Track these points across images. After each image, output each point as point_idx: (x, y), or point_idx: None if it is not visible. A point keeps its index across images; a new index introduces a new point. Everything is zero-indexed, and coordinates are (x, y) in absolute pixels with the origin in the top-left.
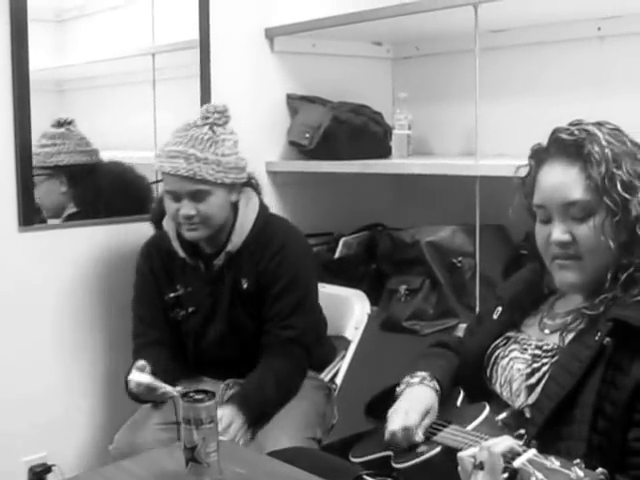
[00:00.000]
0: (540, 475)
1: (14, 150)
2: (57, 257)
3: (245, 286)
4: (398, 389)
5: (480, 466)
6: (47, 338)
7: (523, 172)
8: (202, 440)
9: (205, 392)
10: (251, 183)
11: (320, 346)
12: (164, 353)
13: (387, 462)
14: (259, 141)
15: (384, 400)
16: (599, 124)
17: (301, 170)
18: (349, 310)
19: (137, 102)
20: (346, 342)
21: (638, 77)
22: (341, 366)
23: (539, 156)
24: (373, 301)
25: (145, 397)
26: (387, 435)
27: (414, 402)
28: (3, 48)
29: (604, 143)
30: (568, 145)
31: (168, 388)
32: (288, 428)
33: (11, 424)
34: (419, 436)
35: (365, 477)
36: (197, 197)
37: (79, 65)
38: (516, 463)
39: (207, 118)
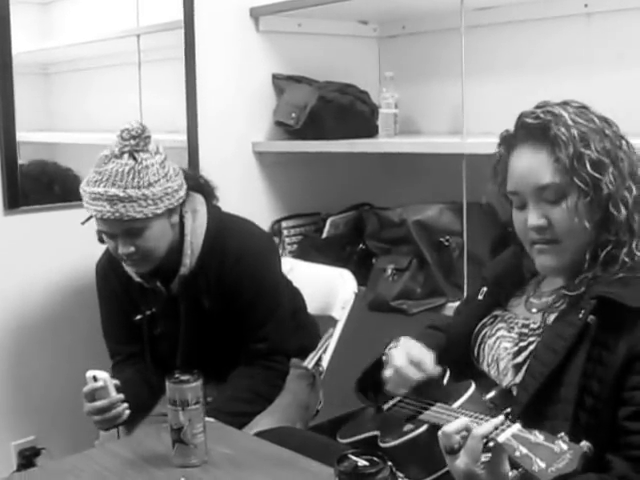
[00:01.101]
0: (524, 449)
1: None
2: (43, 239)
3: (207, 305)
4: (384, 357)
5: (451, 451)
6: (35, 321)
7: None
8: (188, 421)
9: (191, 373)
10: (200, 186)
11: (300, 333)
12: (141, 367)
13: (374, 442)
14: (245, 121)
15: (374, 374)
16: (565, 104)
17: (288, 150)
18: (336, 289)
19: (123, 84)
20: (333, 321)
21: (625, 54)
22: (328, 345)
23: (508, 142)
24: (361, 281)
25: (91, 411)
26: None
27: (408, 344)
28: None
29: (570, 123)
30: (534, 129)
31: (117, 397)
32: (266, 425)
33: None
34: (430, 369)
35: (350, 456)
36: (131, 234)
37: (64, 47)
38: (500, 438)
39: (125, 146)
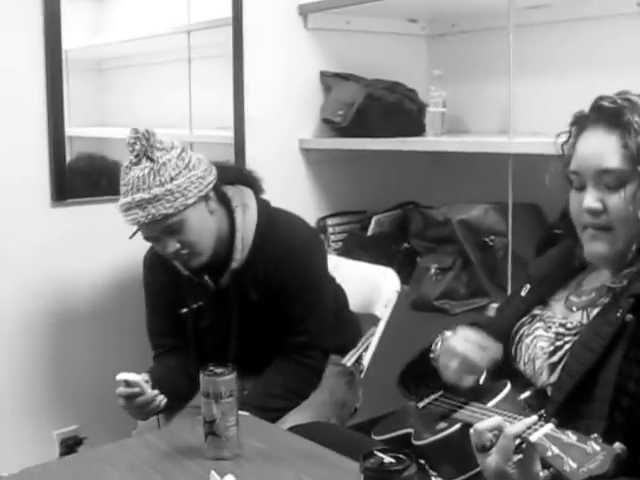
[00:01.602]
0: (556, 449)
1: (47, 128)
2: (90, 231)
3: (255, 298)
4: (434, 346)
5: (483, 449)
6: (80, 313)
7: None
8: (221, 414)
9: (225, 366)
10: (245, 178)
11: (341, 331)
12: (183, 359)
13: (408, 440)
14: (292, 119)
15: (418, 367)
16: None
17: (334, 147)
18: (379, 288)
19: (172, 80)
20: (375, 320)
21: None
22: (369, 344)
23: (580, 123)
24: (404, 280)
25: (127, 408)
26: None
27: (468, 333)
28: (37, 28)
29: None
30: (608, 113)
31: (150, 393)
32: (300, 420)
33: (43, 398)
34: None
35: (376, 453)
36: (171, 231)
37: (116, 44)
38: (532, 437)
39: (137, 152)
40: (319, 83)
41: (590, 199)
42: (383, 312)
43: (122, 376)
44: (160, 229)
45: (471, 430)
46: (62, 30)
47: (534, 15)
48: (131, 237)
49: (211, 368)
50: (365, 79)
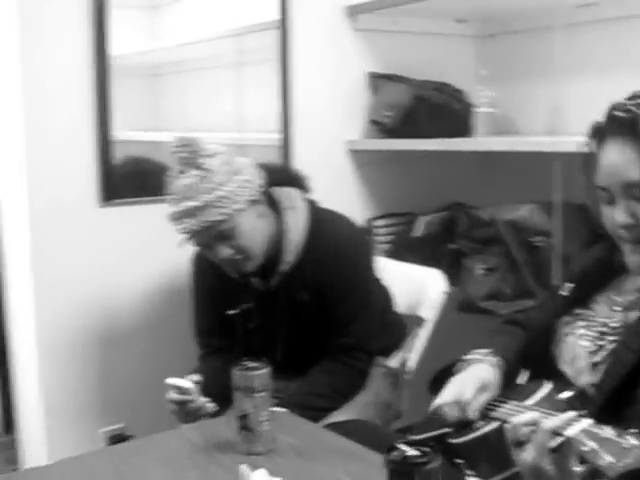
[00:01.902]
0: (592, 444)
1: (94, 132)
2: (136, 232)
3: (303, 299)
4: (456, 367)
5: (518, 444)
6: (127, 312)
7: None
8: (254, 409)
9: (259, 361)
10: (291, 179)
11: (387, 332)
12: (229, 360)
13: (445, 440)
14: (339, 120)
15: (449, 374)
16: None
17: (382, 149)
18: (426, 289)
19: (222, 84)
20: (421, 321)
21: None
22: (415, 345)
23: (599, 134)
24: (451, 281)
25: (177, 413)
26: (432, 407)
27: (470, 376)
28: (85, 35)
29: None
30: (623, 122)
31: (202, 400)
32: (340, 419)
33: (90, 397)
34: (471, 411)
35: (400, 446)
36: (223, 237)
37: (167, 49)
38: (568, 432)
39: (183, 161)
40: (366, 84)
41: (621, 214)
42: (429, 314)
43: (173, 381)
44: (212, 236)
45: (507, 425)
46: (110, 36)
47: (583, 14)
48: (181, 245)
49: (244, 363)
50: (413, 80)
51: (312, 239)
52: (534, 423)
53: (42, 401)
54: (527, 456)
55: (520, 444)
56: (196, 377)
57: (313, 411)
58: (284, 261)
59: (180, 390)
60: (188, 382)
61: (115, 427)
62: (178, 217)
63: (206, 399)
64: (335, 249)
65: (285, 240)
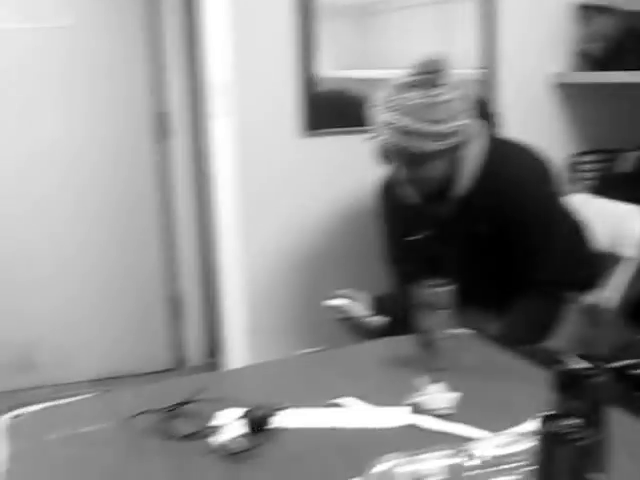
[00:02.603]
0: None
1: (298, 67)
2: (336, 161)
3: (483, 231)
4: None
5: None
6: (324, 237)
7: None
8: (437, 325)
9: (443, 280)
10: (483, 114)
11: (583, 268)
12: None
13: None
14: (543, 53)
15: None
16: None
17: (592, 81)
18: (629, 227)
19: (428, 22)
20: (624, 259)
21: None
22: (615, 283)
23: None
24: None
25: (348, 330)
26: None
27: None
28: None
29: None
30: None
31: (361, 313)
32: None
33: (293, 318)
34: None
35: (566, 359)
36: (412, 162)
37: None
38: None
39: (422, 78)
40: (574, 15)
41: None
42: (631, 252)
43: (329, 302)
44: (402, 158)
45: None
46: None
47: None
48: (366, 141)
49: (429, 281)
50: (624, 11)
51: (491, 169)
52: None
53: (248, 320)
54: None
55: None
56: (349, 292)
57: (516, 343)
58: (457, 187)
59: (339, 309)
60: (342, 300)
61: (316, 349)
62: (385, 125)
63: (368, 313)
64: (515, 180)
65: (461, 167)
